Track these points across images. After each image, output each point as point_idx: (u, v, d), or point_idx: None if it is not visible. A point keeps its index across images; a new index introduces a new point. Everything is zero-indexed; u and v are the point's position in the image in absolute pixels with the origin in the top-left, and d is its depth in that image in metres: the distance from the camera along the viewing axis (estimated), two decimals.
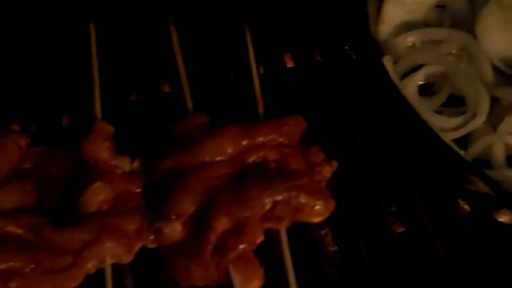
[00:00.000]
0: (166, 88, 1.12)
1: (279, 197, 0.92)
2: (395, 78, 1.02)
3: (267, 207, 0.91)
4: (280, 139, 0.99)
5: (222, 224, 0.89)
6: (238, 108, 1.06)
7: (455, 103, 1.08)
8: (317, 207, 0.94)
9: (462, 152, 0.97)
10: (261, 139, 0.98)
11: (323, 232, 0.99)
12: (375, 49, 1.04)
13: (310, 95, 1.11)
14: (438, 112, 1.06)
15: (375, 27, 1.10)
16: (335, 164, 0.99)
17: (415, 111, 0.95)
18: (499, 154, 1.00)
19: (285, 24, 1.19)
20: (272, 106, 1.05)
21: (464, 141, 1.03)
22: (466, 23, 1.14)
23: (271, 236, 0.93)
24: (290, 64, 1.16)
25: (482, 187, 0.90)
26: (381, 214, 1.00)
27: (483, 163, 1.01)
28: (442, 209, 1.00)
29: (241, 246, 0.88)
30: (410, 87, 1.05)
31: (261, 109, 1.04)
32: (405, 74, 1.09)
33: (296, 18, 1.19)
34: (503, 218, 0.93)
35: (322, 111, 1.09)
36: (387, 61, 1.04)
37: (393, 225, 1.00)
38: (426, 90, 1.10)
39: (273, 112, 1.04)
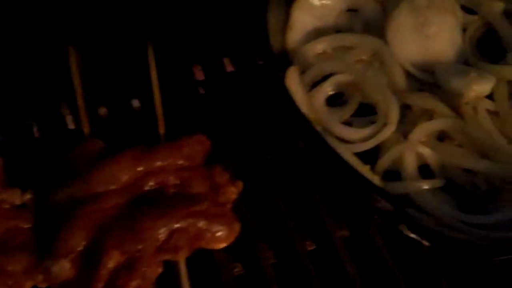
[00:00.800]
0: (66, 112, 1.06)
1: (176, 226, 0.87)
2: (298, 91, 0.98)
3: (162, 237, 0.86)
4: (180, 162, 0.94)
5: (113, 259, 0.84)
6: (139, 131, 1.01)
7: (370, 112, 1.03)
8: (220, 232, 0.90)
9: (365, 167, 0.93)
10: (159, 163, 0.93)
11: (228, 257, 0.93)
12: (273, 61, 0.99)
13: (219, 110, 1.05)
14: (348, 122, 1.01)
15: (282, 36, 1.05)
16: (240, 184, 0.95)
17: (313, 128, 0.90)
18: (410, 165, 0.96)
19: (193, 37, 1.13)
20: (176, 126, 1.00)
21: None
22: (378, 27, 1.10)
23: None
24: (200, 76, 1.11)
25: (384, 204, 0.86)
26: (291, 232, 0.95)
27: (396, 175, 0.97)
28: (353, 225, 0.96)
29: (134, 283, 0.83)
30: (318, 98, 1.01)
31: (162, 130, 0.99)
32: (317, 84, 1.04)
33: (202, 30, 1.13)
34: (407, 232, 0.89)
35: (231, 127, 1.03)
36: (292, 72, 1.00)
37: (303, 243, 0.95)
38: (337, 99, 1.05)
39: (178, 131, 0.98)
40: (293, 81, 0.99)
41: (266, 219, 0.97)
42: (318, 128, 0.96)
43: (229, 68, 1.12)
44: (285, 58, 1.03)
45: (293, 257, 0.95)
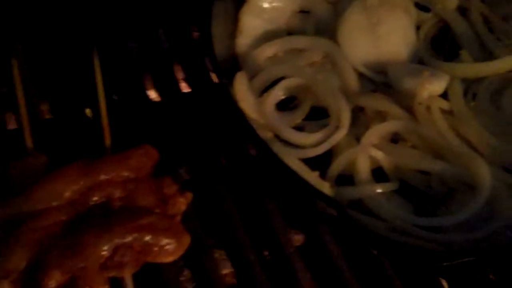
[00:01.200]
0: (12, 125, 1.03)
1: (120, 241, 0.84)
2: (247, 96, 0.95)
3: (106, 253, 0.83)
4: (127, 174, 0.91)
5: (55, 279, 0.81)
6: (85, 143, 0.98)
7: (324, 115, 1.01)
8: (168, 245, 0.87)
9: (314, 174, 0.90)
10: (103, 176, 0.90)
11: (178, 270, 0.91)
12: (218, 69, 0.96)
13: (169, 120, 1.03)
14: (300, 127, 0.99)
15: (228, 42, 1.02)
16: (189, 195, 0.92)
17: (259, 136, 0.88)
18: (363, 169, 0.93)
19: (141, 44, 1.11)
20: (125, 137, 0.97)
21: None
22: (331, 29, 1.07)
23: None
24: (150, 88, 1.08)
25: (332, 211, 0.83)
26: (244, 243, 0.93)
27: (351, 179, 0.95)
28: (308, 232, 0.94)
29: None
30: (268, 103, 0.98)
31: (108, 141, 0.96)
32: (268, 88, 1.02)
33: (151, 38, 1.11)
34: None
35: (180, 136, 1.01)
36: (240, 78, 0.97)
37: (253, 254, 0.92)
38: (290, 103, 1.03)
39: (126, 142, 0.95)
40: (241, 87, 0.97)
41: (219, 229, 0.94)
42: (266, 135, 0.94)
43: (180, 75, 1.09)
44: (232, 65, 1.00)
45: (248, 267, 0.92)
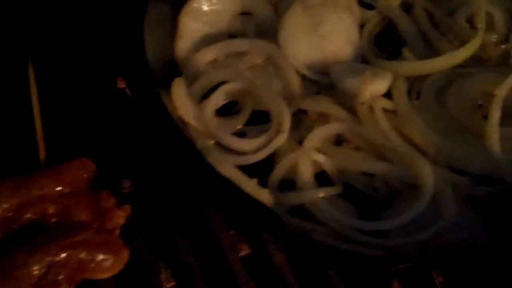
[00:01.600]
0: None
1: (53, 259, 0.81)
2: (185, 103, 0.93)
3: (37, 273, 0.80)
4: (61, 188, 0.88)
5: None
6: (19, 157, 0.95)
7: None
8: (105, 261, 0.84)
9: (252, 181, 0.88)
10: (36, 192, 0.87)
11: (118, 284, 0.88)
12: (149, 78, 0.93)
13: (106, 131, 1.00)
14: (242, 132, 0.96)
15: (161, 48, 0.99)
16: (127, 208, 0.90)
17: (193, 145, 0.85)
18: (305, 173, 0.91)
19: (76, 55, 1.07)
20: (60, 149, 0.94)
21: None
22: (272, 30, 1.05)
23: None
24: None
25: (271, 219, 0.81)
26: (180, 252, 0.90)
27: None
28: (253, 243, 0.92)
29: None
30: (207, 110, 0.96)
31: (42, 155, 0.93)
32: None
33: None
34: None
35: (118, 148, 0.98)
36: (177, 84, 0.95)
37: (194, 263, 0.90)
38: (233, 108, 1.00)
39: (61, 155, 0.92)
40: (179, 93, 0.94)
41: (162, 242, 0.92)
42: (206, 142, 0.91)
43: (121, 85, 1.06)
44: (171, 71, 0.97)
45: (191, 279, 0.90)
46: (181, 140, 0.88)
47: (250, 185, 0.87)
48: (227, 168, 0.87)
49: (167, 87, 0.93)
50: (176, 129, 0.88)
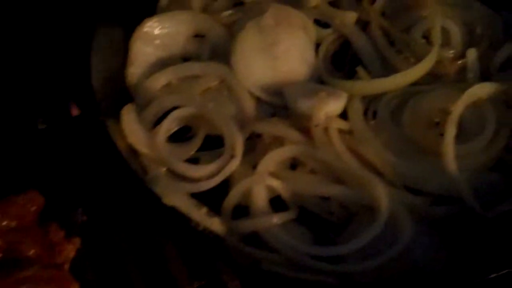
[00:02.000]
0: None
1: None
2: (135, 130, 0.90)
3: None
4: (6, 223, 0.86)
5: None
6: None
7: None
8: None
9: (201, 211, 0.86)
10: None
11: None
12: (94, 105, 0.91)
13: (56, 162, 0.97)
14: (195, 158, 0.94)
15: (108, 76, 0.97)
16: (77, 241, 0.87)
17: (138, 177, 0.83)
18: (259, 199, 0.89)
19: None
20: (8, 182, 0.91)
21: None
22: (226, 52, 1.03)
23: None
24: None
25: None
26: (133, 285, 0.88)
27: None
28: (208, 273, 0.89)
29: None
30: (159, 136, 0.93)
31: None
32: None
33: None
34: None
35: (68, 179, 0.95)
36: (127, 111, 0.93)
37: None
38: (187, 133, 0.98)
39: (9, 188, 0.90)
40: (130, 120, 0.92)
41: (111, 274, 0.89)
42: (158, 170, 0.89)
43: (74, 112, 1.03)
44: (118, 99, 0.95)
45: None
46: (127, 171, 0.85)
47: (199, 214, 0.85)
48: (176, 197, 0.85)
49: (116, 115, 0.91)
50: (121, 159, 0.85)
